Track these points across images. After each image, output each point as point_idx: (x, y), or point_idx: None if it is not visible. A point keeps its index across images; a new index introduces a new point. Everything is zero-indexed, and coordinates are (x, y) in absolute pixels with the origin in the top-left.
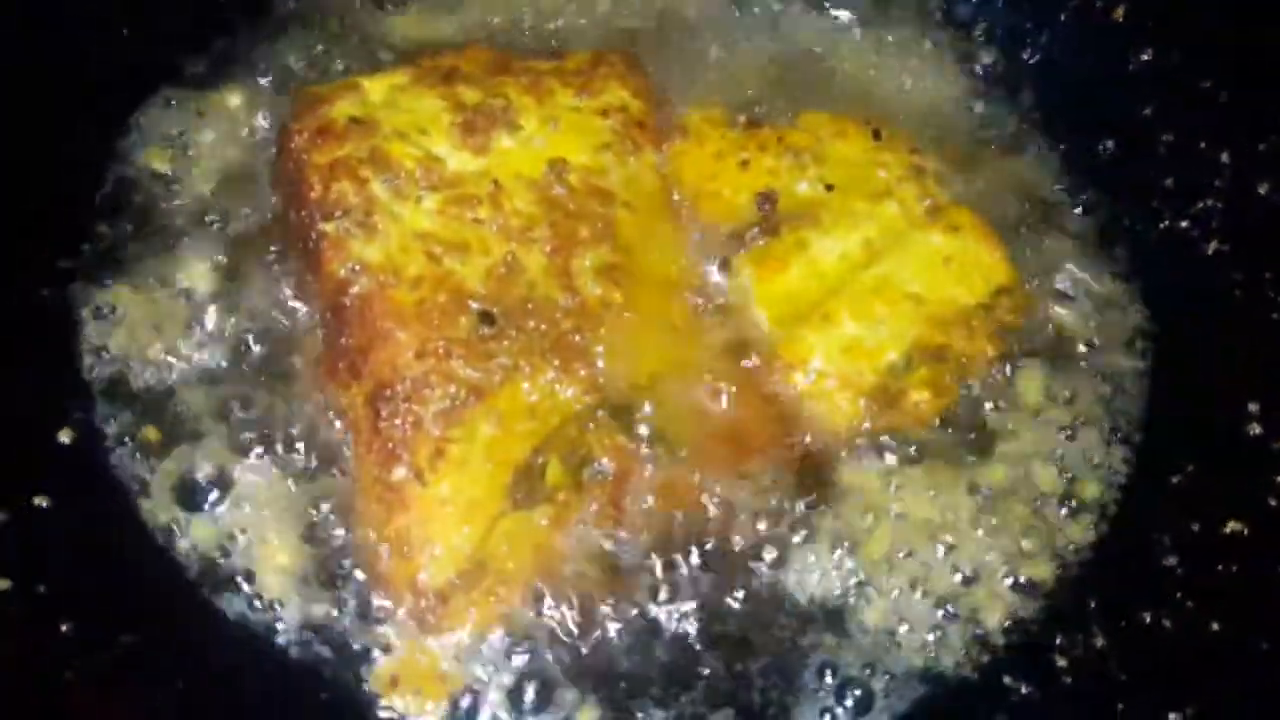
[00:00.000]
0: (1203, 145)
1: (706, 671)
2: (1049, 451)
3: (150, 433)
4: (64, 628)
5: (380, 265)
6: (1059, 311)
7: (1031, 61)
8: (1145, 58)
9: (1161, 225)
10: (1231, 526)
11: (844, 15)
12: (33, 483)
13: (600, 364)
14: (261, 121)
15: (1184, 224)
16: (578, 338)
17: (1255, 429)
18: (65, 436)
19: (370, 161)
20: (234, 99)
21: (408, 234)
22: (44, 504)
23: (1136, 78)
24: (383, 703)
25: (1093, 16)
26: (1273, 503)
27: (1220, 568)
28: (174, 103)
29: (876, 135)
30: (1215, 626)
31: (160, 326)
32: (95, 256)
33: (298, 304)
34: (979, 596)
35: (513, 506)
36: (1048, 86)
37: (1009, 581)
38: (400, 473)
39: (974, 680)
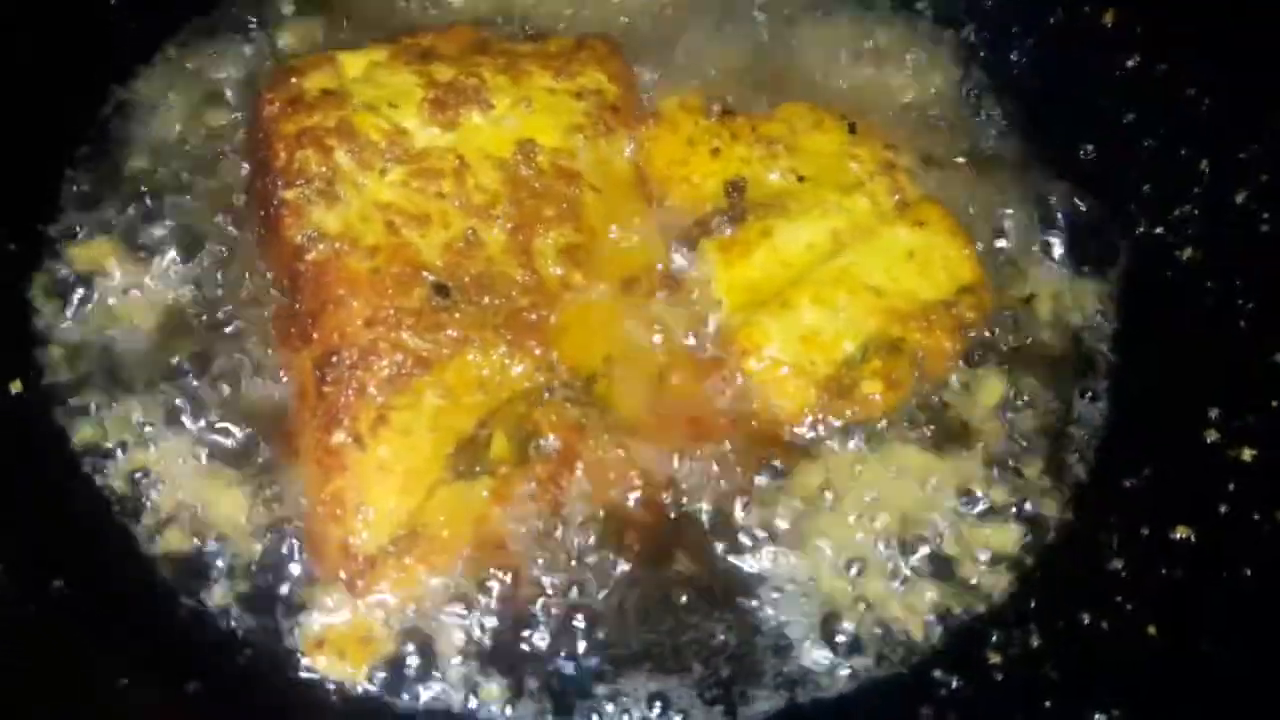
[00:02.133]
0: (1183, 152)
1: (635, 653)
2: (1005, 449)
3: (97, 385)
4: None
5: (338, 233)
6: (1025, 310)
7: (1017, 62)
8: (1131, 63)
9: (1137, 231)
10: (1180, 531)
11: (831, 9)
12: None
13: (554, 342)
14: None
15: (1159, 230)
16: (533, 315)
17: (1213, 435)
18: (15, 388)
19: (337, 132)
20: (219, 70)
21: (369, 204)
22: None
23: (1121, 82)
24: (305, 662)
25: (1081, 20)
26: (1223, 509)
27: (1164, 572)
28: (157, 69)
29: (852, 129)
30: (1152, 630)
31: (121, 284)
32: (62, 213)
33: (259, 271)
34: (918, 591)
35: (453, 477)
36: (1032, 87)
37: (951, 577)
38: (340, 437)
39: (905, 674)
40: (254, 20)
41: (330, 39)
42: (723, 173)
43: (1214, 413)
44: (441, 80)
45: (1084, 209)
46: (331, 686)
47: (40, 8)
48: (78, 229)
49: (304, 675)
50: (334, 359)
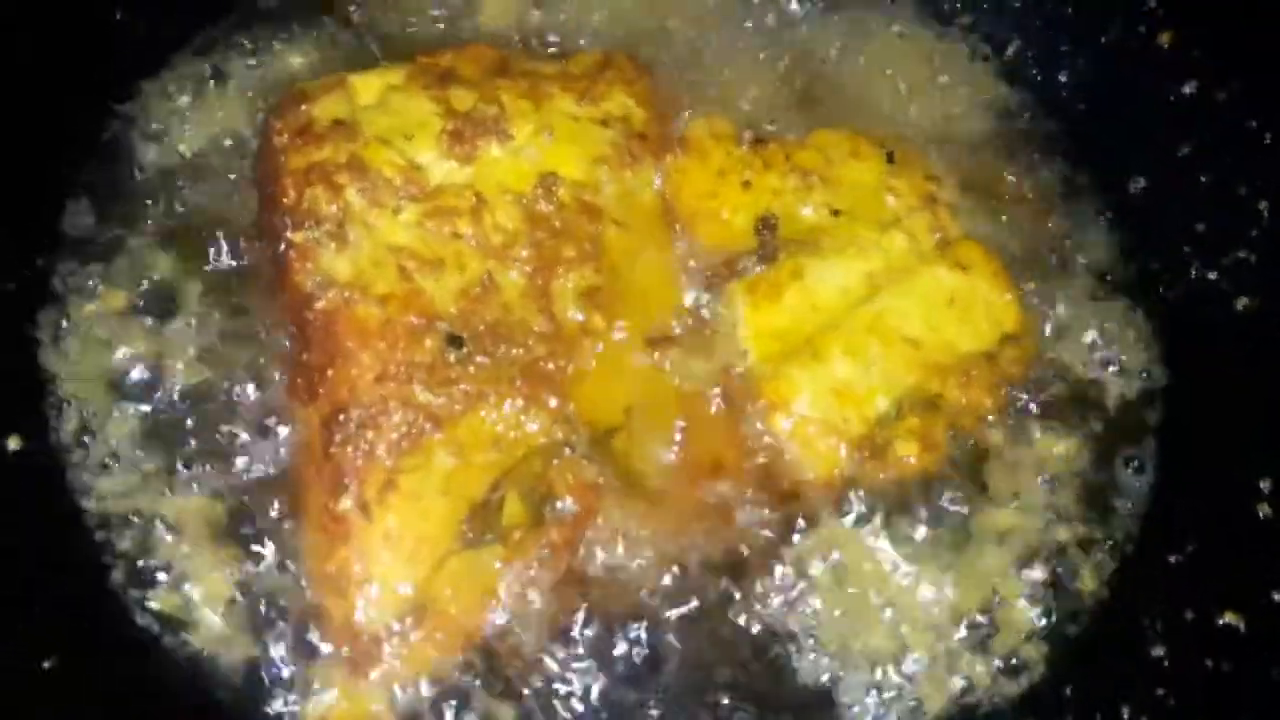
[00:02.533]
0: (1241, 191)
1: None
2: (1041, 517)
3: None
4: None
5: (349, 280)
6: (1068, 364)
7: (1065, 85)
8: (1188, 90)
9: (1190, 275)
10: (1228, 618)
11: (869, 27)
12: None
13: (572, 394)
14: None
15: (1212, 275)
16: (550, 365)
17: (1265, 510)
18: (14, 443)
19: (348, 168)
20: (236, 86)
21: (381, 247)
22: None
23: (1177, 110)
24: None
25: (1135, 41)
26: (1276, 596)
27: (1210, 664)
28: (162, 85)
29: (890, 158)
30: None
31: (124, 329)
32: (66, 247)
33: (268, 314)
34: (942, 672)
35: (463, 545)
36: (1080, 114)
37: (983, 659)
38: (346, 503)
39: None
40: (263, 32)
41: (343, 50)
42: (754, 206)
43: (1267, 484)
44: (459, 109)
45: (1132, 249)
46: None
47: (39, 19)
48: (78, 264)
49: None
50: (342, 418)
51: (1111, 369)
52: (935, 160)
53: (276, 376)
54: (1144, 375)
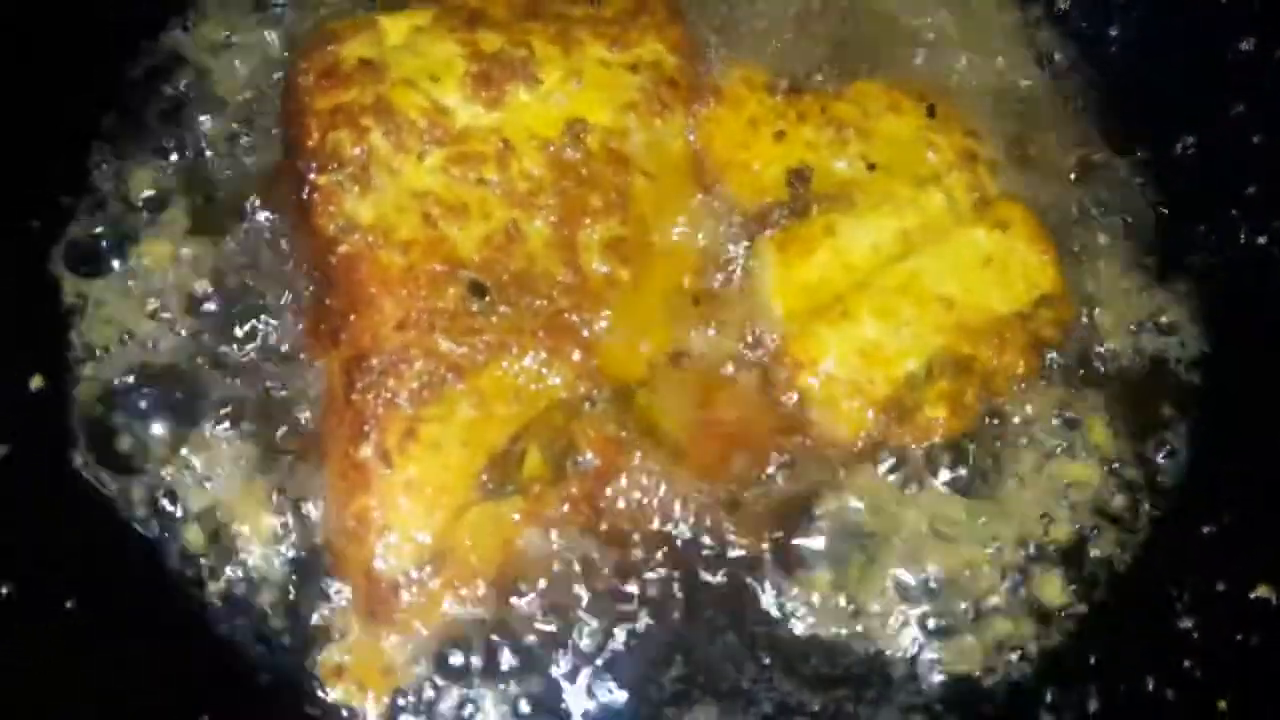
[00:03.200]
0: None
1: (668, 687)
2: (1072, 484)
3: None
4: (5, 590)
5: (371, 225)
6: (1106, 328)
7: (1115, 38)
8: (1245, 46)
9: (1239, 239)
10: (1260, 591)
11: None
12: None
13: (595, 347)
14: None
15: (1262, 240)
16: (574, 317)
17: None
18: (36, 381)
19: (374, 110)
20: (262, 23)
21: (404, 192)
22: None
23: (1232, 68)
24: (323, 691)
25: None
26: None
27: (1239, 638)
28: (197, 25)
29: (931, 112)
30: (1222, 706)
31: (148, 270)
32: (92, 200)
33: (293, 254)
34: (969, 636)
35: (483, 496)
36: (1130, 70)
37: (1004, 625)
38: (367, 451)
39: None
40: None
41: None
42: (786, 159)
43: None
44: (487, 51)
45: (1179, 211)
46: (349, 716)
47: None
48: (101, 207)
49: (323, 704)
50: (364, 365)
51: (1151, 334)
52: (976, 116)
53: (300, 323)
54: (1185, 342)
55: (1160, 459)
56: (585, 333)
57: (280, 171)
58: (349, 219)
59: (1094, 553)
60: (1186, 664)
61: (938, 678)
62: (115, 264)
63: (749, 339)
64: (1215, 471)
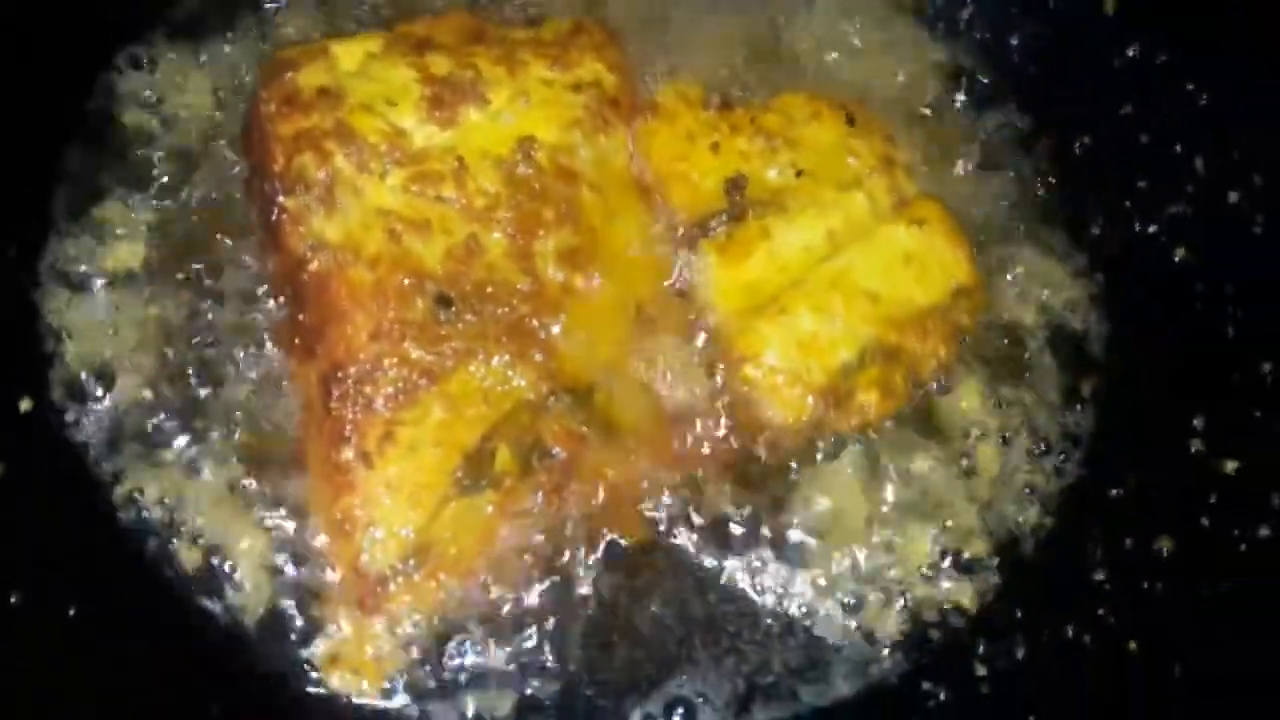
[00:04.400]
0: (1178, 149)
1: (640, 663)
2: (991, 456)
3: (107, 400)
4: (13, 599)
5: (340, 243)
6: (1017, 313)
7: (1015, 49)
8: (1130, 54)
9: (1131, 229)
10: (1163, 543)
11: None
12: None
13: (556, 350)
14: (239, 78)
15: (1153, 229)
16: (534, 323)
17: (1197, 445)
18: (25, 404)
19: (335, 134)
20: (213, 54)
21: (369, 211)
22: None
23: (1119, 74)
24: (320, 679)
25: (1082, 6)
26: (1204, 522)
27: (1146, 585)
28: (152, 57)
29: (850, 120)
30: (1132, 646)
31: (122, 292)
32: (59, 219)
33: (261, 275)
34: (907, 599)
35: (459, 491)
36: (1028, 76)
37: (939, 586)
38: (348, 454)
39: (894, 682)
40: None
41: (321, 19)
42: (722, 169)
43: (1199, 422)
44: (438, 75)
45: (1077, 204)
46: (346, 702)
47: None
48: (73, 230)
49: (319, 692)
50: (340, 374)
51: (1057, 318)
52: (892, 123)
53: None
54: (1088, 322)
55: (1069, 430)
56: (545, 336)
57: (246, 195)
58: (317, 238)
59: (1015, 517)
60: (1100, 612)
61: (880, 636)
62: (90, 290)
63: (696, 336)
64: (1119, 439)
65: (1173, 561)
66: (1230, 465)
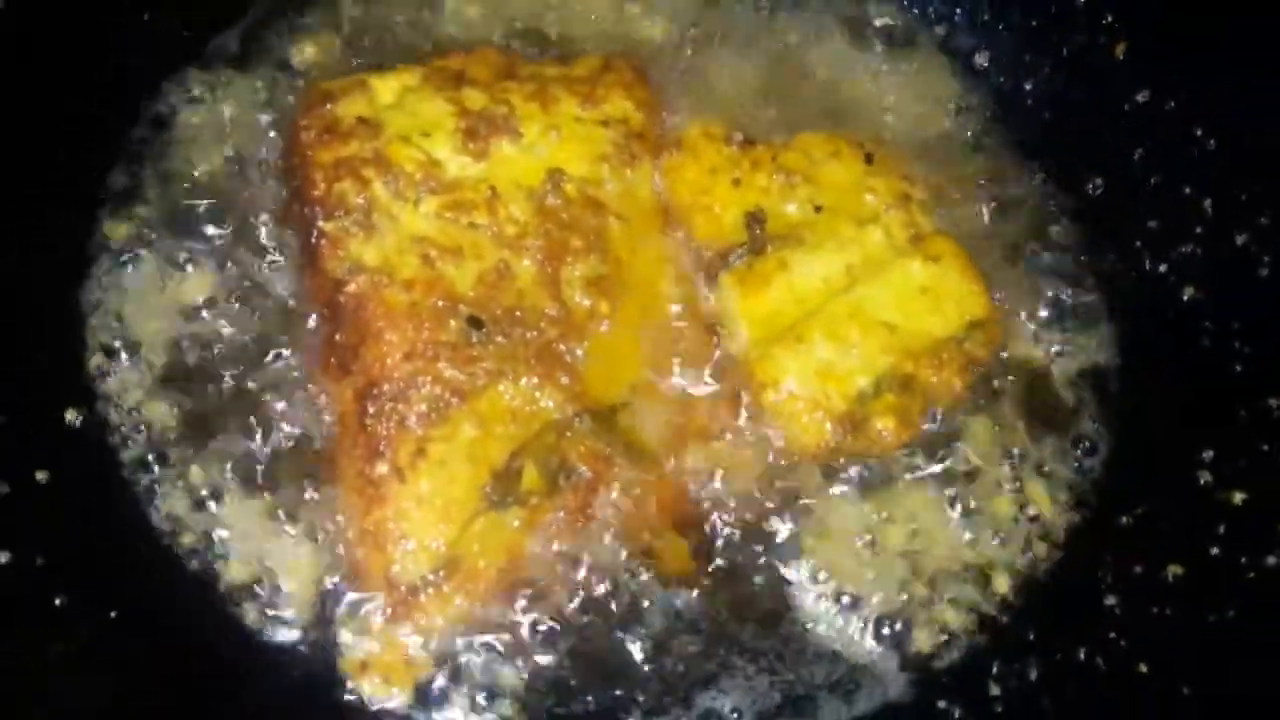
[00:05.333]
0: (1187, 190)
1: (661, 678)
2: (1005, 485)
3: (151, 416)
4: (58, 601)
5: (376, 266)
6: (1030, 348)
7: (1030, 94)
8: (1141, 99)
9: (1142, 268)
10: (1172, 570)
11: (849, 35)
12: (35, 459)
13: (581, 373)
14: (273, 111)
15: (1162, 268)
16: (562, 347)
17: (1205, 477)
18: (71, 416)
19: (374, 162)
20: (254, 84)
21: (405, 236)
22: (44, 479)
23: (1130, 117)
24: (350, 685)
25: (1094, 53)
26: (1214, 551)
27: (1156, 611)
28: (192, 86)
29: (869, 159)
30: (1143, 668)
31: (164, 309)
32: (103, 236)
33: (299, 293)
34: (923, 619)
35: (487, 507)
36: (1042, 119)
37: (954, 607)
38: (381, 469)
39: (910, 701)
40: (276, 36)
41: (351, 56)
42: (743, 203)
43: (1207, 454)
44: (473, 109)
45: (1089, 243)
46: (375, 709)
47: (66, 23)
48: (119, 251)
49: (349, 698)
50: (375, 392)
51: (1070, 353)
52: (909, 162)
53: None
54: (1101, 357)
55: (1081, 461)
56: (571, 360)
57: (284, 219)
58: (355, 261)
59: (1028, 543)
60: (1112, 635)
61: (898, 655)
62: (136, 307)
63: (717, 362)
64: (1130, 470)
65: (1182, 587)
66: (1238, 496)
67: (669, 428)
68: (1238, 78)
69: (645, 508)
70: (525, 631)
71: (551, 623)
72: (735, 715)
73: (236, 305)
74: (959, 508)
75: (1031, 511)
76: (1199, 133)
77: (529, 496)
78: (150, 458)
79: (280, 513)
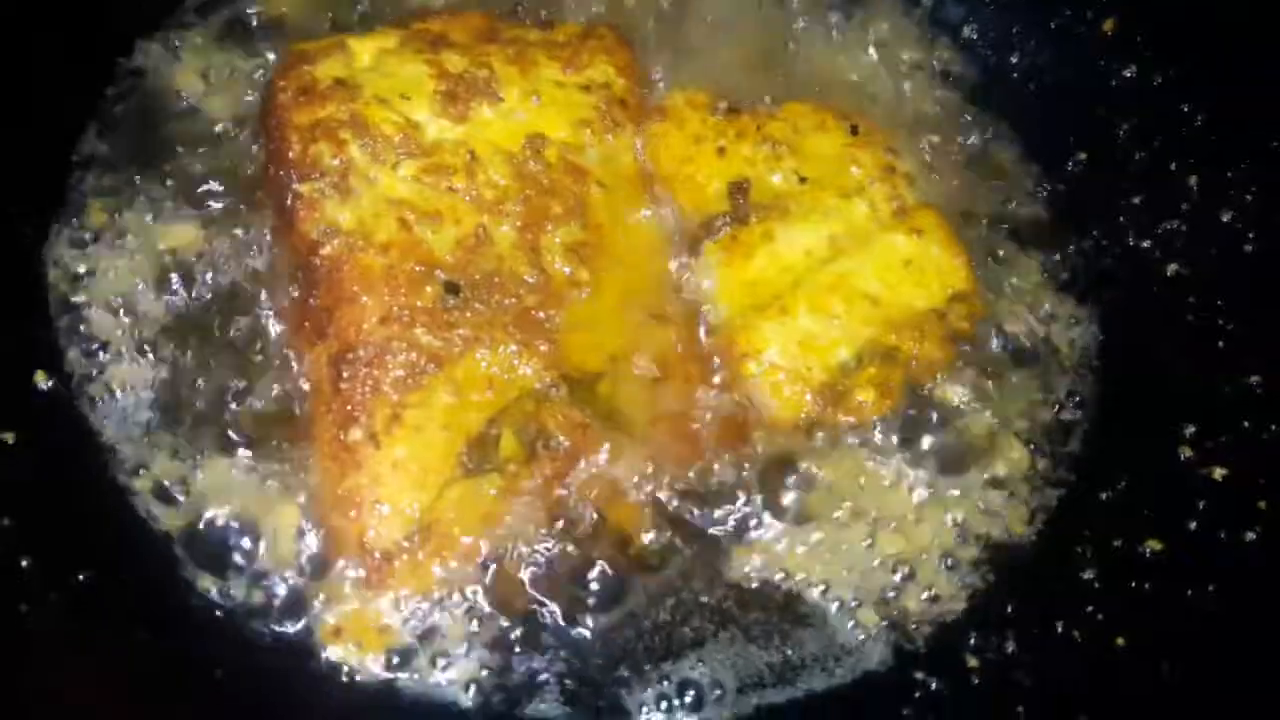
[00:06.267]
0: (1173, 167)
1: (640, 648)
2: (987, 458)
3: (118, 378)
4: (24, 562)
5: (352, 229)
6: (1012, 321)
7: (1016, 67)
8: (1128, 74)
9: (1126, 243)
10: (1151, 545)
11: (836, 5)
12: (3, 420)
13: (561, 341)
14: (251, 72)
15: (1146, 244)
16: (540, 314)
17: (1186, 452)
18: (40, 378)
19: (350, 124)
20: (232, 44)
21: (381, 199)
22: (11, 440)
23: (1117, 93)
24: (324, 652)
25: (1081, 28)
26: (1192, 525)
27: (1134, 585)
28: (169, 44)
29: (854, 130)
30: (1120, 642)
31: (135, 271)
32: (76, 197)
33: (273, 256)
34: (902, 591)
35: (463, 474)
36: (1028, 94)
37: (933, 580)
38: (356, 434)
39: (887, 672)
40: None
41: (335, 15)
42: (727, 172)
43: (1189, 430)
44: (452, 71)
45: (1073, 218)
46: (348, 674)
47: None
48: (89, 211)
49: (323, 664)
50: (350, 356)
51: (1051, 326)
52: (895, 133)
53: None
54: (1081, 330)
55: (1062, 436)
56: (550, 327)
57: (259, 181)
58: (330, 224)
59: (1006, 516)
60: (1089, 609)
61: (876, 625)
62: (105, 270)
63: (698, 332)
64: (1110, 445)
65: (1161, 563)
66: (1219, 472)
67: (648, 397)
68: (1226, 55)
69: (622, 476)
70: (500, 599)
71: (528, 591)
72: (714, 685)
73: (210, 268)
74: (936, 480)
75: (1011, 485)
76: (1186, 109)
77: (506, 464)
78: (120, 419)
79: (254, 477)
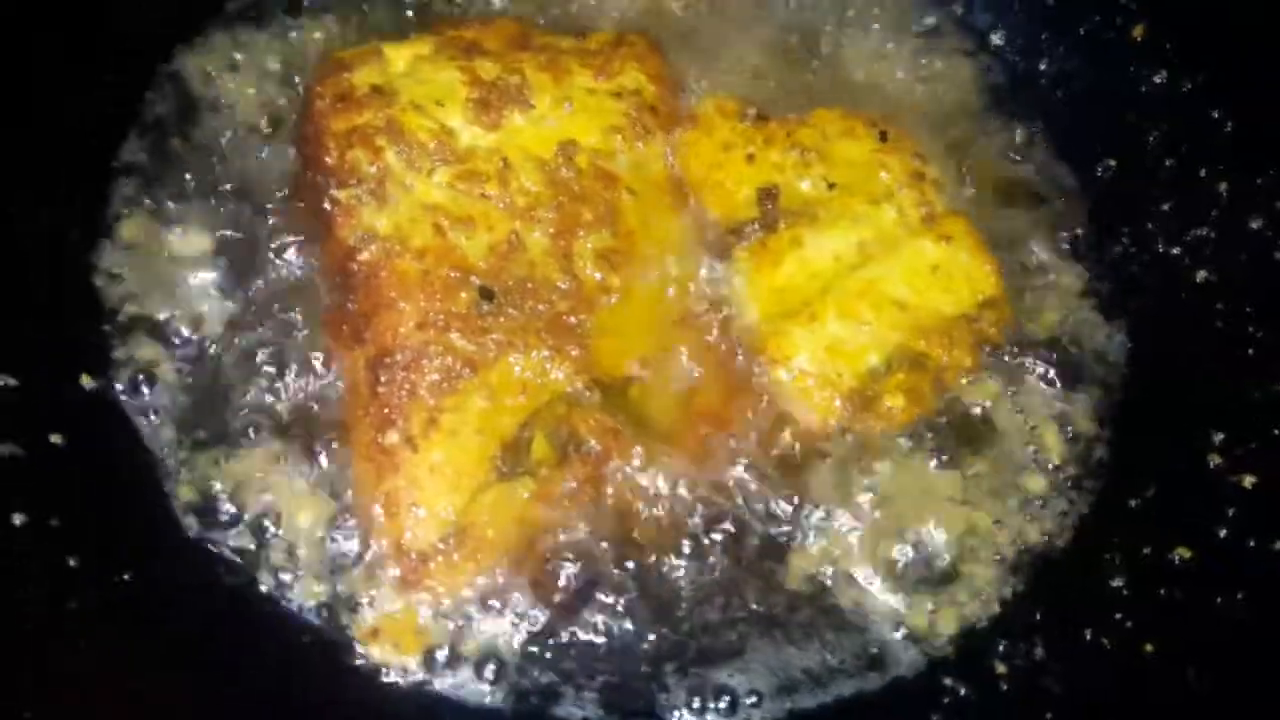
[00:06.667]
0: (1203, 174)
1: (673, 652)
2: (1017, 465)
3: (165, 380)
4: (71, 562)
5: (388, 235)
6: (1041, 328)
7: (1045, 74)
8: (1158, 80)
9: (1155, 250)
10: (1180, 553)
11: (865, 13)
12: (51, 422)
13: (592, 346)
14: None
15: (1175, 251)
16: (572, 319)
17: (1215, 460)
18: (86, 381)
19: (386, 131)
20: (271, 51)
21: (417, 206)
22: (59, 442)
23: (1146, 99)
24: (360, 650)
25: (1111, 33)
26: (1221, 533)
27: (1163, 592)
28: (209, 51)
29: (883, 137)
30: (1149, 649)
31: (176, 274)
32: (119, 203)
33: (310, 261)
34: (933, 597)
35: (497, 478)
36: (1058, 99)
37: (962, 587)
38: (393, 438)
39: (916, 677)
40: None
41: (367, 25)
42: (756, 179)
43: (1218, 437)
44: (485, 78)
45: (1101, 225)
46: (385, 674)
47: None
48: (134, 216)
49: (359, 663)
50: (387, 360)
51: (1081, 333)
52: (923, 140)
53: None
54: (1111, 338)
55: (1091, 443)
56: (582, 333)
57: (297, 187)
58: (368, 230)
59: (1035, 523)
60: (1118, 616)
61: (903, 632)
62: (151, 273)
63: (728, 338)
64: (1140, 452)
65: (1190, 570)
66: (1248, 480)
67: (679, 402)
68: (1256, 61)
69: (649, 481)
70: (534, 601)
71: (562, 594)
72: (749, 690)
73: (250, 273)
74: (965, 487)
75: (1039, 493)
76: (1216, 115)
77: (539, 467)
78: (163, 423)
79: (292, 479)
